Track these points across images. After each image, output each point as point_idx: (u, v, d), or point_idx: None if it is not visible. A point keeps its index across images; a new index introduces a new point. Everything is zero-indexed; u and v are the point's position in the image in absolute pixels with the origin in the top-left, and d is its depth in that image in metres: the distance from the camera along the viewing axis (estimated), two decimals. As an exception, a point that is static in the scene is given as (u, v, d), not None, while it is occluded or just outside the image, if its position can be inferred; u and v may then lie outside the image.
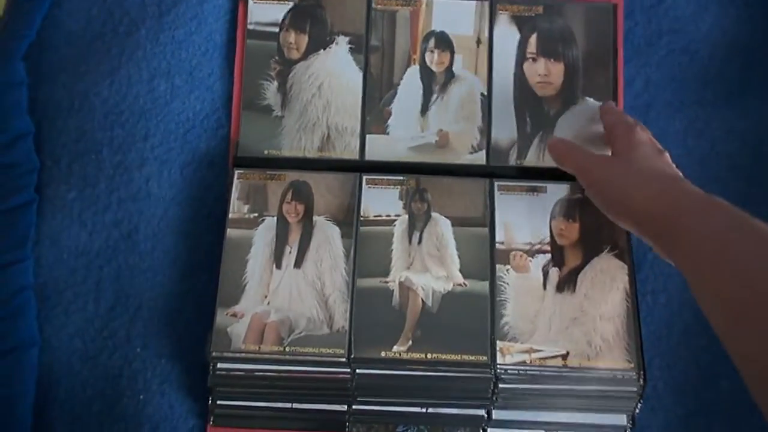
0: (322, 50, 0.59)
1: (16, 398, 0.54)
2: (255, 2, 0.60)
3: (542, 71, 0.59)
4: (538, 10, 0.60)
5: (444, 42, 0.59)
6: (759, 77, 0.59)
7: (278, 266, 0.54)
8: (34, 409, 0.54)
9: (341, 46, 0.59)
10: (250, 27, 0.60)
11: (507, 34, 0.59)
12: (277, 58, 0.59)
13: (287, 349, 0.51)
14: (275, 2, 0.60)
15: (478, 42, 0.59)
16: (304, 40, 0.59)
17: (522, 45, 0.59)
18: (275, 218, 0.55)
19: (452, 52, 0.59)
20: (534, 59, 0.59)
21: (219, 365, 0.51)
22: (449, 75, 0.59)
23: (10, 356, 0.54)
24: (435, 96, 0.58)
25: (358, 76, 0.58)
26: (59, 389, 0.55)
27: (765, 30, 0.60)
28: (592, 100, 0.58)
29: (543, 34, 0.59)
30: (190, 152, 0.59)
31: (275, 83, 0.59)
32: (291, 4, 0.60)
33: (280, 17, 0.60)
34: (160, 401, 0.54)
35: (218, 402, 0.52)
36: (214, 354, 0.51)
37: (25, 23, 0.60)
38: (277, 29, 0.60)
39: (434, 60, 0.59)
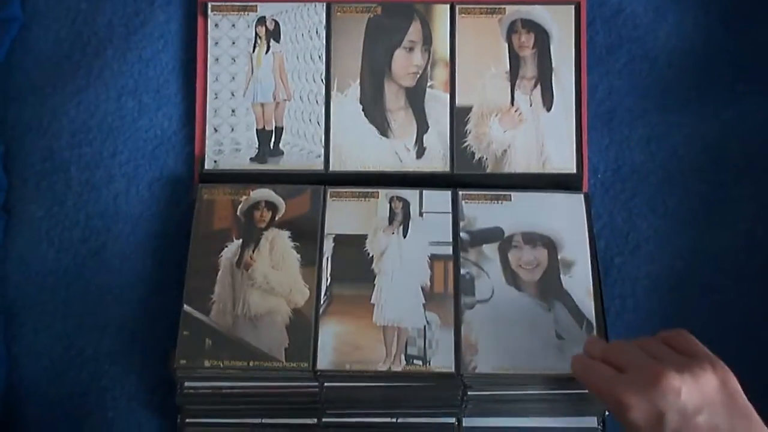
0: None
1: (-17, 418, 0.53)
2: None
3: None
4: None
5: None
6: (717, 83, 0.60)
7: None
8: (0, 429, 0.53)
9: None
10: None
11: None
12: None
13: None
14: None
15: None
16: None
17: None
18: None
19: None
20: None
21: (186, 384, 0.51)
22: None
23: (-24, 377, 0.54)
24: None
25: None
26: (27, 408, 0.55)
27: (720, 36, 0.61)
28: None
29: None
30: (157, 169, 0.59)
31: None
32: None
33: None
34: (128, 419, 0.54)
35: (187, 420, 0.52)
36: (179, 373, 0.50)
37: (-6, 48, 0.60)
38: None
39: None
